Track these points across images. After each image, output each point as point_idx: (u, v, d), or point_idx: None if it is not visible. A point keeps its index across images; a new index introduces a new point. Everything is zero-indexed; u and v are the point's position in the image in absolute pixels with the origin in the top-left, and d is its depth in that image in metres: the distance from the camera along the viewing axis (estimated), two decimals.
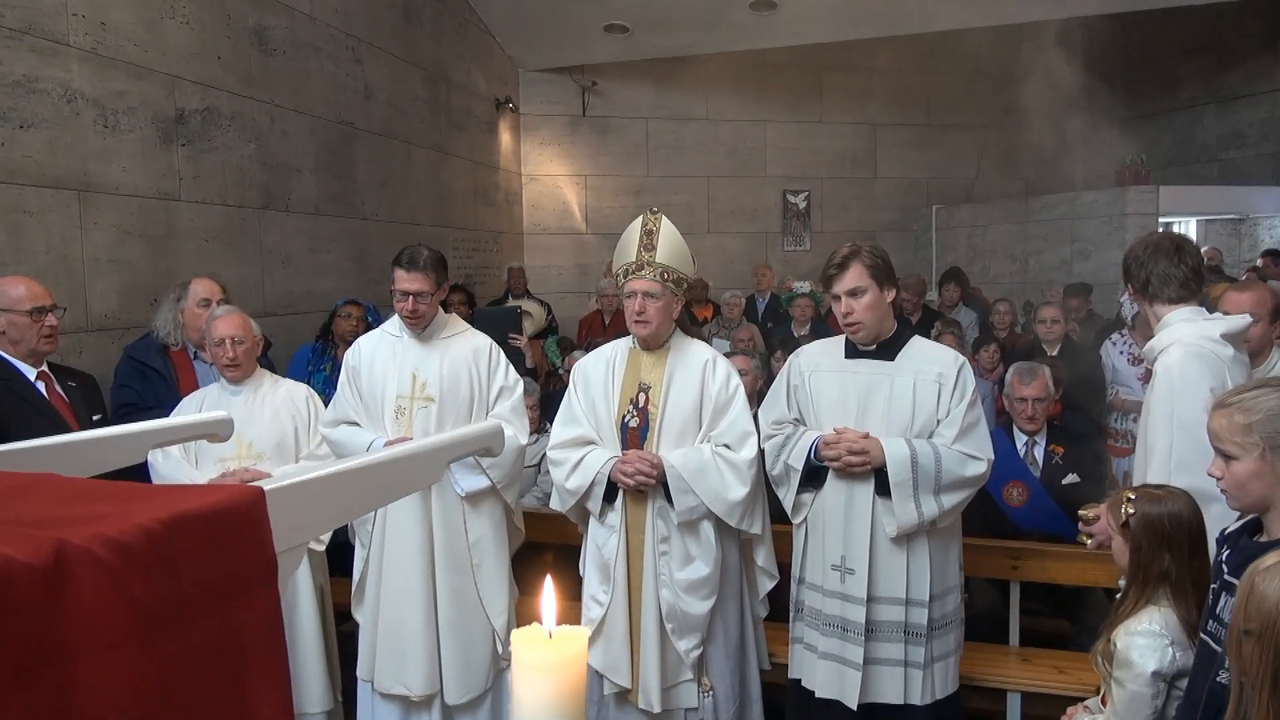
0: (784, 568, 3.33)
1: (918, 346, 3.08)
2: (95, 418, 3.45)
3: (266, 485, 1.00)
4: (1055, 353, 5.65)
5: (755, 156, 10.60)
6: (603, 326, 7.77)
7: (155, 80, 4.46)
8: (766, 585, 3.32)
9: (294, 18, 5.61)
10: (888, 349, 3.06)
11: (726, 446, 3.14)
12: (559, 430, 3.32)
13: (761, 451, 3.21)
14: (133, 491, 0.99)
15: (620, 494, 3.17)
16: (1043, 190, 9.78)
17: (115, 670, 0.78)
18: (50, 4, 3.86)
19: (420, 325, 3.49)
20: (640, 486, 3.08)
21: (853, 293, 2.96)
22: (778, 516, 3.36)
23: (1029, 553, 3.70)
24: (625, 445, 3.19)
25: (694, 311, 8.44)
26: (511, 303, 7.59)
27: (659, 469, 3.06)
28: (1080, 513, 2.49)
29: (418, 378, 3.50)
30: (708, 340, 7.13)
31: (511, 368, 3.65)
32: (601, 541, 3.22)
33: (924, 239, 10.62)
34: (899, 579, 2.95)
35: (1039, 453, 4.20)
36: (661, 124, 10.25)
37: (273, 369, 4.22)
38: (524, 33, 8.87)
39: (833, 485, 3.03)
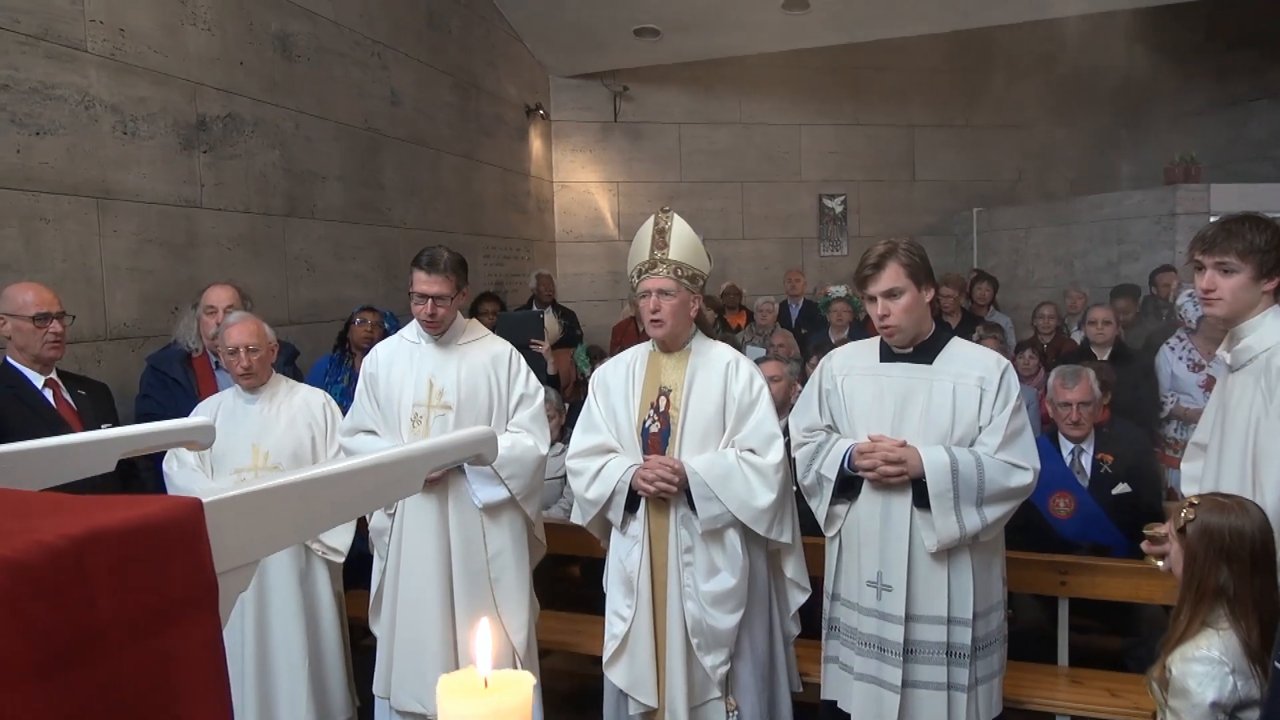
0: (816, 582, 3.17)
1: (958, 349, 2.90)
2: (104, 426, 3.38)
3: (207, 496, 0.88)
4: (1106, 357, 5.42)
5: (790, 160, 10.42)
6: (636, 334, 7.63)
7: (176, 86, 4.41)
8: (798, 599, 3.15)
9: (317, 24, 5.56)
10: (926, 351, 2.88)
11: (751, 451, 2.99)
12: (578, 439, 3.20)
13: (791, 458, 3.06)
14: (55, 504, 0.87)
15: (642, 503, 3.03)
16: (1087, 190, 9.50)
17: (5, 713, 0.66)
18: (67, 10, 3.82)
19: (439, 330, 3.39)
20: (661, 494, 2.94)
21: (889, 294, 2.79)
22: (810, 528, 3.20)
23: (1078, 567, 3.49)
24: (647, 451, 3.06)
25: (726, 319, 8.29)
26: (536, 310, 7.48)
27: (680, 474, 2.92)
28: (1147, 530, 2.29)
29: (434, 385, 3.40)
30: (741, 348, 7.03)
31: (532, 375, 3.54)
32: (624, 554, 3.09)
33: (965, 243, 10.37)
34: (940, 596, 2.77)
35: (1086, 461, 3.99)
36: (694, 129, 10.12)
37: (299, 378, 4.15)
38: (553, 39, 8.79)
39: (868, 496, 2.86)
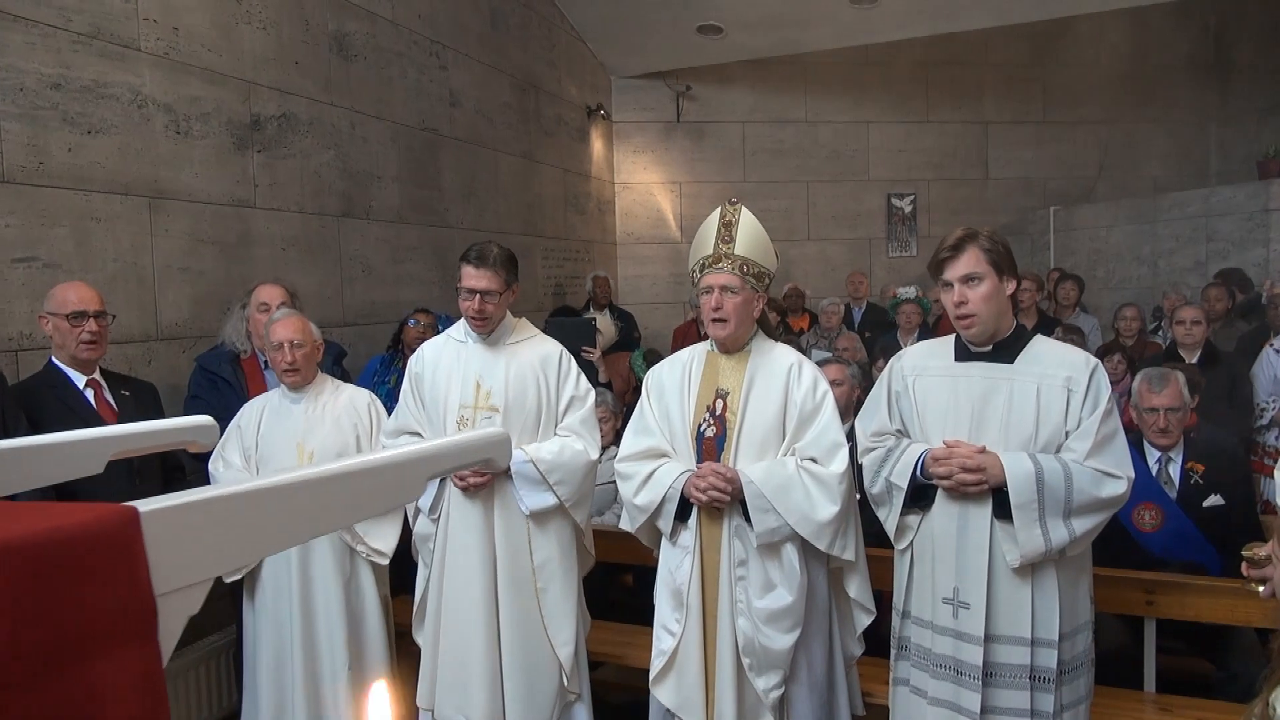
0: (884, 598, 2.96)
1: (1042, 347, 2.67)
2: None
3: (144, 506, 0.74)
4: (1195, 359, 5.08)
5: (858, 159, 10.14)
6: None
7: (230, 86, 4.39)
8: (863, 621, 2.94)
9: (375, 23, 5.52)
10: (1006, 350, 2.65)
11: (813, 460, 2.80)
12: (629, 441, 3.05)
13: (856, 466, 2.86)
14: None
15: (694, 512, 2.87)
16: (1172, 187, 9.05)
17: None
18: (120, 9, 3.81)
19: (487, 328, 3.27)
20: (714, 503, 2.77)
21: (967, 279, 2.58)
22: (877, 540, 3.00)
23: (1166, 586, 3.23)
24: (701, 457, 2.89)
25: (789, 321, 8.08)
26: (592, 314, 7.36)
27: (735, 484, 2.75)
28: (1246, 552, 2.04)
29: (481, 386, 3.28)
30: (805, 351, 6.82)
31: (583, 377, 3.40)
32: (674, 565, 2.93)
33: (1040, 242, 9.96)
34: (1023, 615, 2.54)
35: (1174, 471, 3.70)
36: (758, 127, 9.91)
37: (347, 379, 4.08)
38: (615, 39, 8.68)
39: (943, 506, 2.64)
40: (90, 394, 3.28)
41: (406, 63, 5.84)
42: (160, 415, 3.54)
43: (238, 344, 3.92)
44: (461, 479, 3.13)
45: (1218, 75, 9.67)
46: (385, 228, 5.61)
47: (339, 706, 3.30)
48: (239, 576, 3.37)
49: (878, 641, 3.10)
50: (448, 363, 3.35)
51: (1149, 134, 9.78)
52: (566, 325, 5.75)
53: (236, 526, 0.85)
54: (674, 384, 3.01)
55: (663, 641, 2.92)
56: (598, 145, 9.10)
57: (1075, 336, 5.73)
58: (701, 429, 2.91)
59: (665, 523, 2.90)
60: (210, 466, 3.49)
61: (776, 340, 3.06)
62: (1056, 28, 9.25)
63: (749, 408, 2.87)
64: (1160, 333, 6.60)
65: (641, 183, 9.74)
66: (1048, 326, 6.26)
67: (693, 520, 2.87)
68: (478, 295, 3.18)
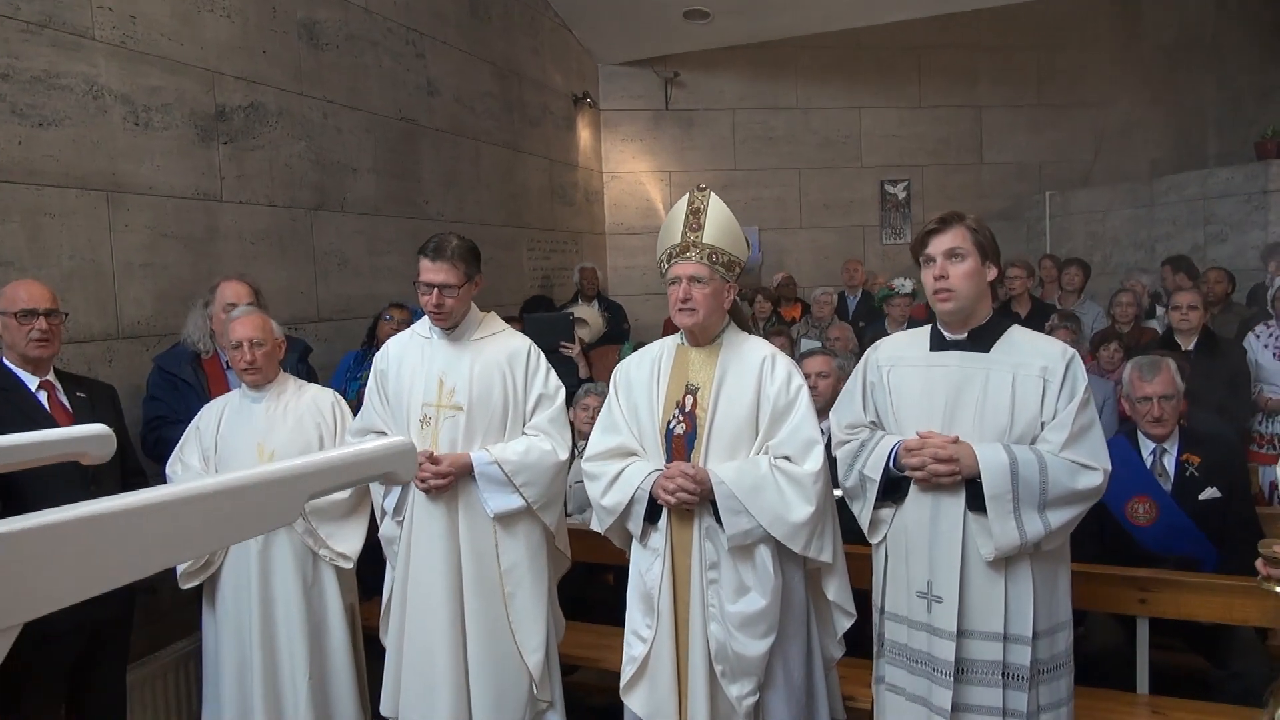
0: (863, 597, 2.85)
1: (1018, 336, 2.59)
2: None
3: None
4: (1191, 346, 4.95)
5: (850, 145, 9.99)
6: None
7: (192, 75, 4.25)
8: (843, 624, 2.82)
9: (348, 10, 5.38)
10: (981, 338, 2.58)
11: (787, 458, 2.68)
12: (596, 439, 2.93)
13: (832, 462, 2.75)
14: None
15: (665, 513, 2.75)
16: (1170, 169, 8.90)
17: None
18: None
19: (447, 322, 3.15)
20: (683, 504, 2.65)
21: (951, 254, 2.52)
22: (855, 537, 2.88)
23: (1160, 583, 3.10)
24: (671, 455, 2.77)
25: (781, 311, 7.96)
26: (580, 305, 7.23)
27: (704, 484, 2.63)
28: (1263, 549, 1.92)
29: (445, 383, 3.16)
30: (796, 341, 6.69)
31: (553, 373, 3.27)
32: (645, 568, 2.81)
33: (1037, 228, 9.82)
34: (996, 610, 2.47)
35: (1169, 462, 3.57)
36: (749, 115, 9.76)
37: (313, 377, 3.96)
38: (600, 25, 8.52)
39: (915, 499, 2.57)
40: (43, 396, 3.15)
41: (381, 51, 5.70)
42: (119, 417, 3.42)
43: (200, 343, 3.79)
44: (422, 479, 3.02)
45: (1214, 56, 9.50)
46: (361, 220, 5.48)
47: (299, 716, 3.18)
48: (196, 583, 3.26)
49: (859, 642, 2.99)
50: (412, 359, 3.23)
51: (1145, 116, 9.61)
52: (543, 321, 5.62)
53: (58, 561, 0.72)
54: (642, 379, 2.89)
55: (634, 648, 2.80)
56: (585, 134, 8.96)
57: (1071, 324, 5.60)
58: (671, 426, 2.79)
59: (635, 525, 2.78)
60: (167, 469, 3.38)
61: (750, 332, 2.93)
62: (1051, 9, 9.09)
63: (720, 404, 2.74)
64: (1158, 318, 6.46)
65: (630, 172, 9.60)
66: (1042, 314, 6.13)
67: (662, 522, 2.75)
68: (435, 289, 3.06)
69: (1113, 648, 3.33)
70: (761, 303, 7.80)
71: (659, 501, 2.70)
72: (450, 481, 3.03)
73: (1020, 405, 2.48)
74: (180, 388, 3.71)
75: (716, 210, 2.77)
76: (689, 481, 2.62)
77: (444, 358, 3.17)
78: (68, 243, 3.66)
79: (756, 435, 2.74)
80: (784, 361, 2.79)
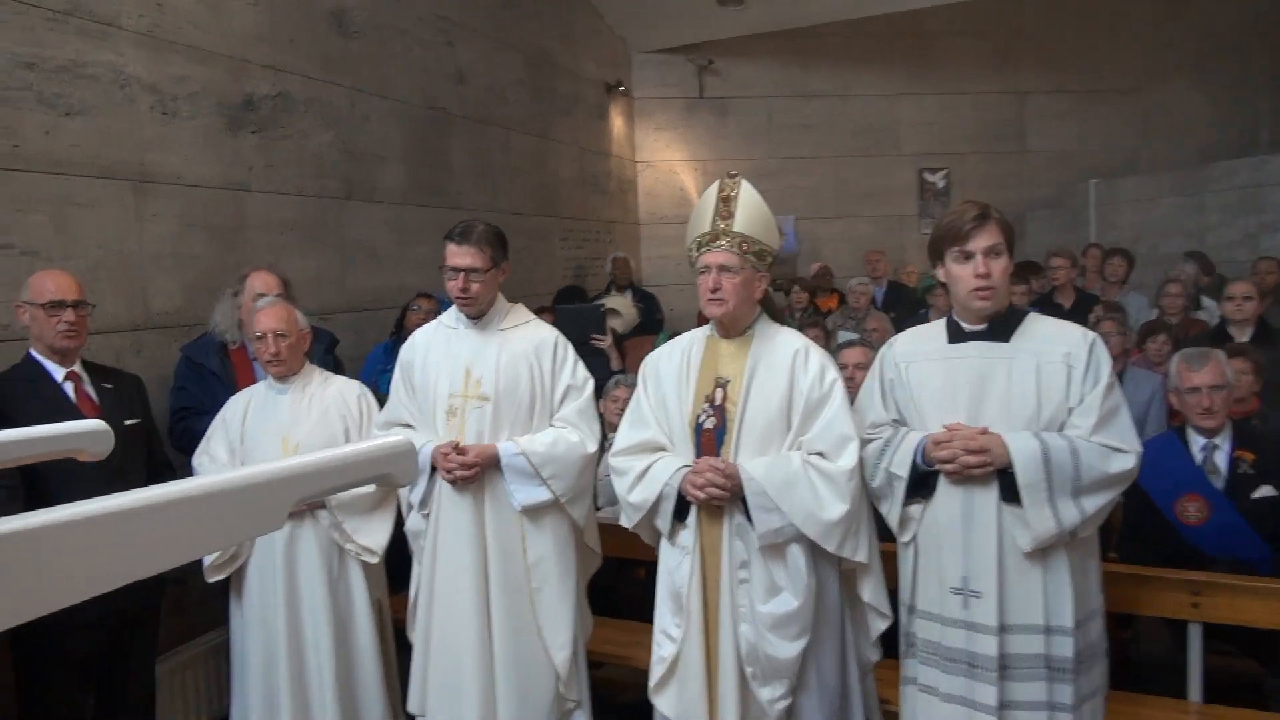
0: (891, 595, 2.76)
1: (1037, 324, 2.54)
2: (129, 422, 3.19)
3: None
4: (1246, 337, 4.77)
5: (888, 133, 9.81)
6: None
7: (219, 64, 4.22)
8: (878, 626, 2.73)
9: None
10: (1001, 328, 2.52)
11: (820, 454, 2.59)
12: (624, 434, 2.85)
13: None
14: None
15: (693, 510, 2.66)
16: (1220, 156, 8.63)
17: None
18: None
19: (473, 309, 3.09)
20: (712, 500, 2.57)
21: (991, 250, 2.45)
22: (886, 534, 2.78)
23: (1213, 586, 2.97)
24: (700, 451, 2.68)
25: (818, 302, 7.83)
26: (613, 296, 7.16)
27: (734, 480, 2.54)
28: None
29: (471, 373, 3.10)
30: (832, 332, 6.56)
31: (581, 364, 3.20)
32: (673, 566, 2.73)
33: (1081, 217, 9.57)
34: (1035, 602, 2.41)
35: (1221, 459, 3.42)
36: (784, 102, 9.61)
37: (340, 368, 3.92)
38: (634, 11, 8.42)
39: (946, 493, 2.50)
40: (69, 387, 3.13)
41: (410, 39, 5.65)
42: (146, 408, 3.40)
43: (227, 333, 3.76)
44: (448, 470, 2.96)
45: (1266, 38, 9.20)
46: (390, 210, 5.44)
47: (325, 713, 3.14)
48: (223, 576, 3.23)
49: (893, 646, 2.89)
50: (438, 350, 3.18)
51: (1194, 101, 9.33)
52: (573, 313, 5.55)
53: (21, 571, 0.65)
54: (671, 372, 2.81)
55: (662, 648, 2.73)
56: (618, 123, 8.87)
57: (1116, 315, 5.42)
58: (700, 420, 2.70)
59: (663, 522, 2.70)
60: (194, 461, 3.35)
61: (782, 323, 2.83)
62: None
63: (751, 397, 2.65)
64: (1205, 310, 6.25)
65: (664, 161, 9.50)
66: (1086, 305, 5.96)
67: (691, 519, 2.67)
68: (462, 274, 3.01)
69: (1163, 653, 3.20)
70: (798, 293, 7.68)
71: (687, 498, 2.62)
72: (477, 473, 2.97)
73: (1046, 392, 2.43)
74: (207, 378, 3.69)
75: (748, 197, 2.68)
76: (718, 477, 2.54)
77: (470, 348, 3.11)
78: (95, 233, 3.64)
79: (788, 430, 2.64)
80: (817, 354, 2.70)
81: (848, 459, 2.56)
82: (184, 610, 3.77)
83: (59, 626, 2.77)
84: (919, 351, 2.63)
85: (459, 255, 3.01)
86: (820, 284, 8.13)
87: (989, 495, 2.43)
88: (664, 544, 2.78)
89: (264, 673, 3.22)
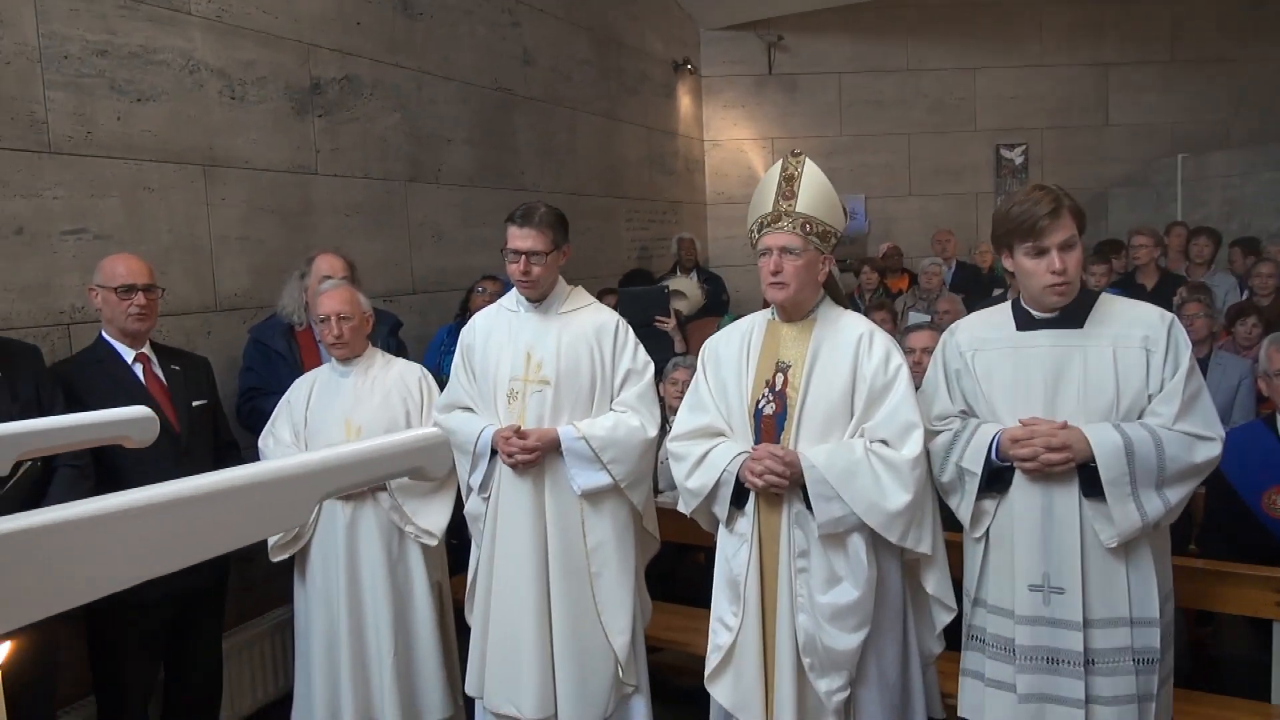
0: (955, 586, 2.68)
1: (1111, 307, 2.45)
2: (196, 403, 3.25)
3: None
4: None
5: (963, 108, 9.52)
6: None
7: (286, 49, 4.26)
8: (943, 619, 2.65)
9: None
10: (1073, 314, 2.43)
11: (884, 442, 2.51)
12: (683, 418, 2.81)
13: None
14: None
15: (752, 497, 2.61)
16: None
17: None
18: None
19: (534, 291, 3.08)
20: (771, 488, 2.51)
21: (1066, 245, 2.36)
22: (951, 524, 2.70)
23: None
24: (759, 437, 2.63)
25: (888, 283, 7.67)
26: (677, 277, 7.09)
27: (794, 467, 2.48)
28: None
29: (532, 357, 3.09)
30: (902, 313, 6.41)
31: (641, 348, 3.17)
32: (731, 553, 2.68)
33: (1167, 194, 9.18)
34: (1120, 595, 2.35)
35: None
36: (856, 78, 9.39)
37: (403, 351, 3.95)
38: None
39: (1023, 489, 2.42)
40: (139, 369, 3.20)
41: (476, 20, 5.64)
42: (213, 390, 3.47)
43: (294, 315, 3.81)
44: (509, 454, 2.96)
45: None
46: (456, 192, 5.45)
47: (385, 693, 3.18)
48: (286, 555, 3.28)
49: (953, 637, 2.81)
50: (499, 333, 3.17)
51: None
52: (636, 295, 5.51)
53: (24, 570, 0.65)
54: (731, 356, 2.75)
55: (719, 636, 2.68)
56: (685, 101, 8.77)
57: (1201, 296, 5.19)
58: (760, 406, 2.64)
59: (720, 509, 2.66)
60: (260, 443, 3.41)
61: (846, 307, 2.75)
62: None
63: (812, 383, 2.58)
64: None
65: (732, 139, 9.38)
66: (1170, 286, 5.72)
67: (749, 506, 2.62)
68: (523, 256, 2.99)
69: (1246, 652, 3.05)
70: (868, 274, 7.53)
71: (746, 485, 2.57)
72: (537, 457, 2.96)
73: (1125, 380, 2.35)
74: (273, 358, 3.75)
75: (812, 176, 2.60)
76: (778, 464, 2.48)
77: (531, 331, 3.10)
78: (165, 217, 3.72)
79: (851, 417, 2.57)
80: (882, 339, 2.61)
81: (912, 447, 2.48)
82: (252, 587, 3.85)
83: (129, 603, 2.84)
84: (986, 339, 2.54)
85: (520, 238, 2.99)
86: (890, 264, 7.96)
87: (1070, 491, 2.36)
88: (722, 531, 2.73)
89: (326, 651, 3.27)
